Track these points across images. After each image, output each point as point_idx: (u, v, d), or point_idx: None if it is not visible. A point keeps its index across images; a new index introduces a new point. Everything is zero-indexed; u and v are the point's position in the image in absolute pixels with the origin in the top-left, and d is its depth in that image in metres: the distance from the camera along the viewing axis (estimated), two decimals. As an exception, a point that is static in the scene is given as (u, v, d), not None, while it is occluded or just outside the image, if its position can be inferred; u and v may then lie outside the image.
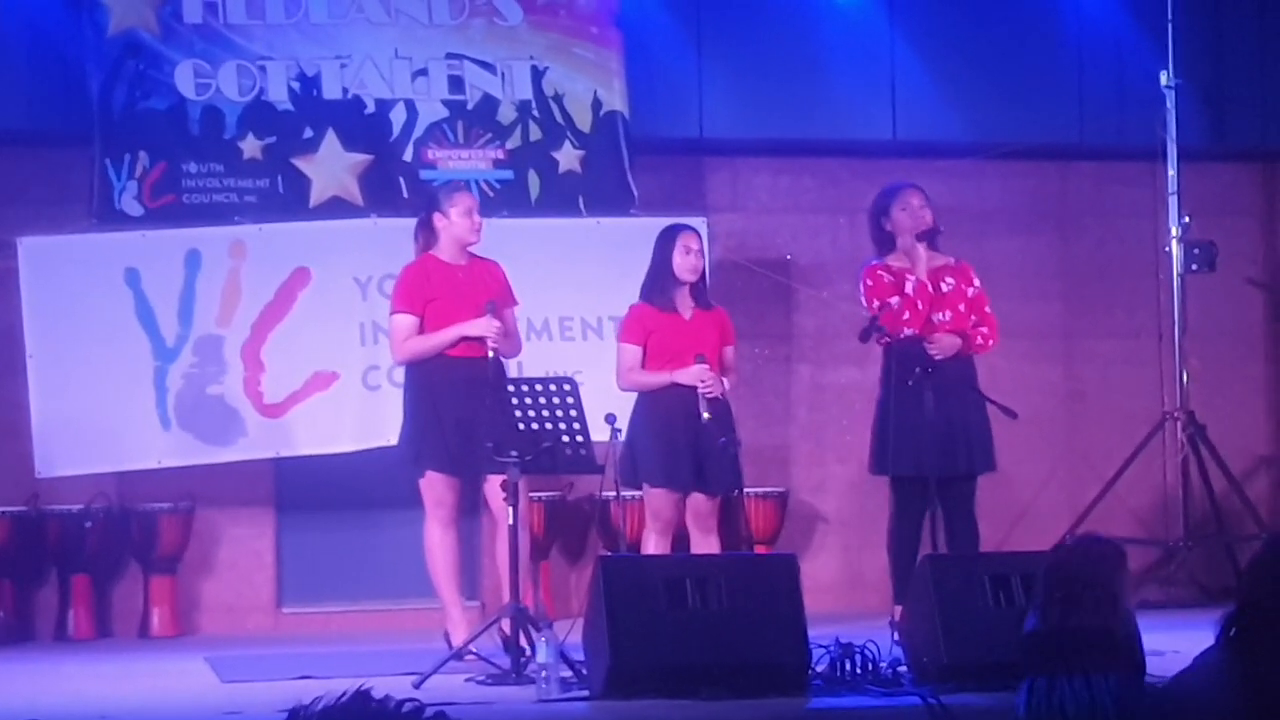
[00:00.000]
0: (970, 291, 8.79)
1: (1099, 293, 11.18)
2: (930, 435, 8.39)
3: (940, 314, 8.69)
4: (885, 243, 8.80)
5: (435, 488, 8.35)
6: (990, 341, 8.81)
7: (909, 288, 8.65)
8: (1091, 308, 11.18)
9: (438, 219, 8.49)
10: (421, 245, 8.56)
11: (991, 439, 8.72)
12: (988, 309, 8.83)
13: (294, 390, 9.71)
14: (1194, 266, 10.52)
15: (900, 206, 8.75)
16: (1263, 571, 4.73)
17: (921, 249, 8.70)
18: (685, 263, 8.54)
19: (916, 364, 8.46)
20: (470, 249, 8.51)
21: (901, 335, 8.58)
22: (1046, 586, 5.21)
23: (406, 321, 8.43)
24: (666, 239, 8.61)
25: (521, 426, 7.71)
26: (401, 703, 2.55)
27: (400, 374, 9.60)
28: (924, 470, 8.44)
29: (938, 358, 8.53)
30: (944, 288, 8.73)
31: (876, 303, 8.67)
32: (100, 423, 9.54)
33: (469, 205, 8.53)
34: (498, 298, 8.46)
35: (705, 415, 8.33)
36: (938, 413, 8.40)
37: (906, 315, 8.61)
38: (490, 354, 8.23)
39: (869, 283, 8.73)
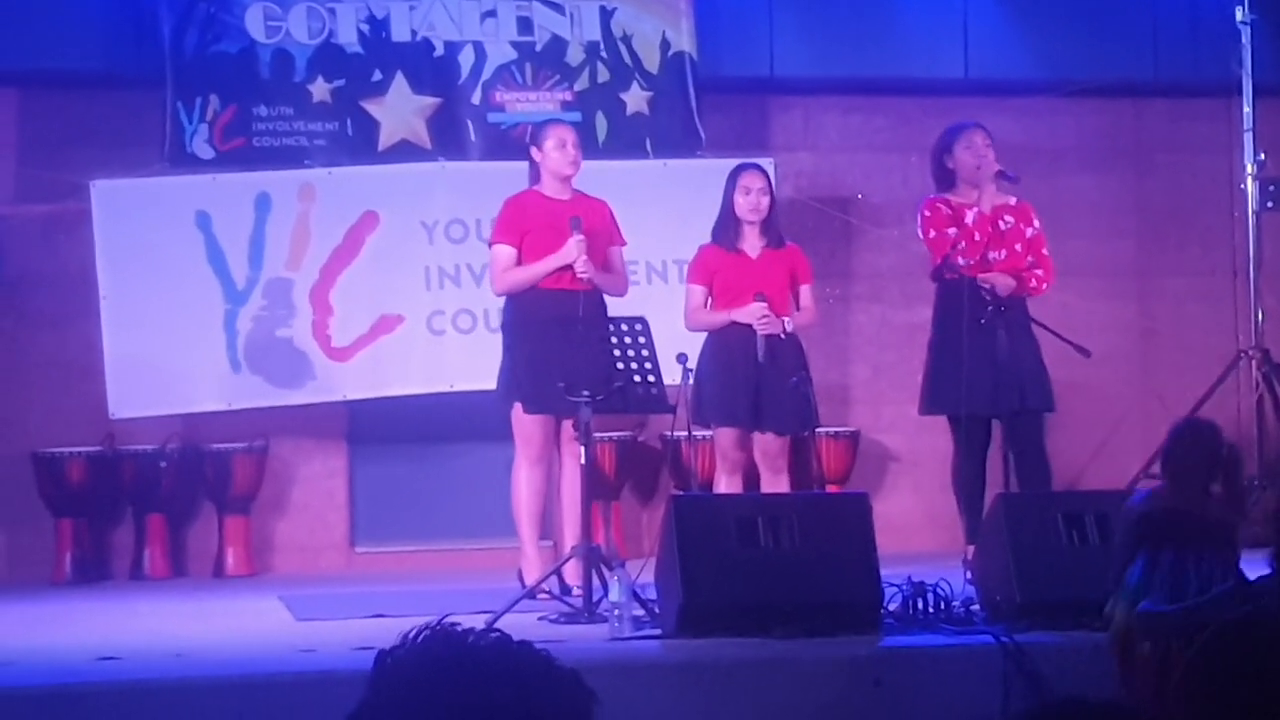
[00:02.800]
0: (1029, 232, 8.72)
1: (1173, 230, 11.09)
2: (1000, 373, 8.35)
3: (996, 252, 8.62)
4: (946, 180, 8.74)
5: (523, 424, 8.35)
6: (1045, 284, 8.72)
7: (969, 218, 8.59)
8: (1165, 245, 11.10)
9: (534, 152, 8.49)
10: (531, 180, 8.56)
11: (1048, 378, 8.64)
12: (1045, 251, 8.76)
13: (360, 334, 9.74)
14: (1269, 204, 10.44)
15: (964, 145, 8.69)
16: None
17: (990, 187, 8.63)
18: (746, 202, 8.51)
19: (984, 302, 8.40)
20: (572, 182, 8.50)
21: (961, 271, 8.51)
22: (1184, 455, 5.40)
23: (504, 252, 8.42)
24: (731, 179, 8.60)
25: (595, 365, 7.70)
26: (486, 633, 2.55)
27: (464, 320, 9.66)
28: (981, 408, 8.40)
29: (1000, 295, 8.47)
30: (1002, 226, 8.66)
31: (932, 233, 8.62)
32: (171, 365, 9.60)
33: (562, 137, 8.52)
34: (602, 234, 8.44)
35: (760, 355, 8.31)
36: (992, 352, 8.35)
37: (963, 245, 8.55)
38: (583, 279, 8.19)
39: (927, 214, 8.68)
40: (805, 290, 8.63)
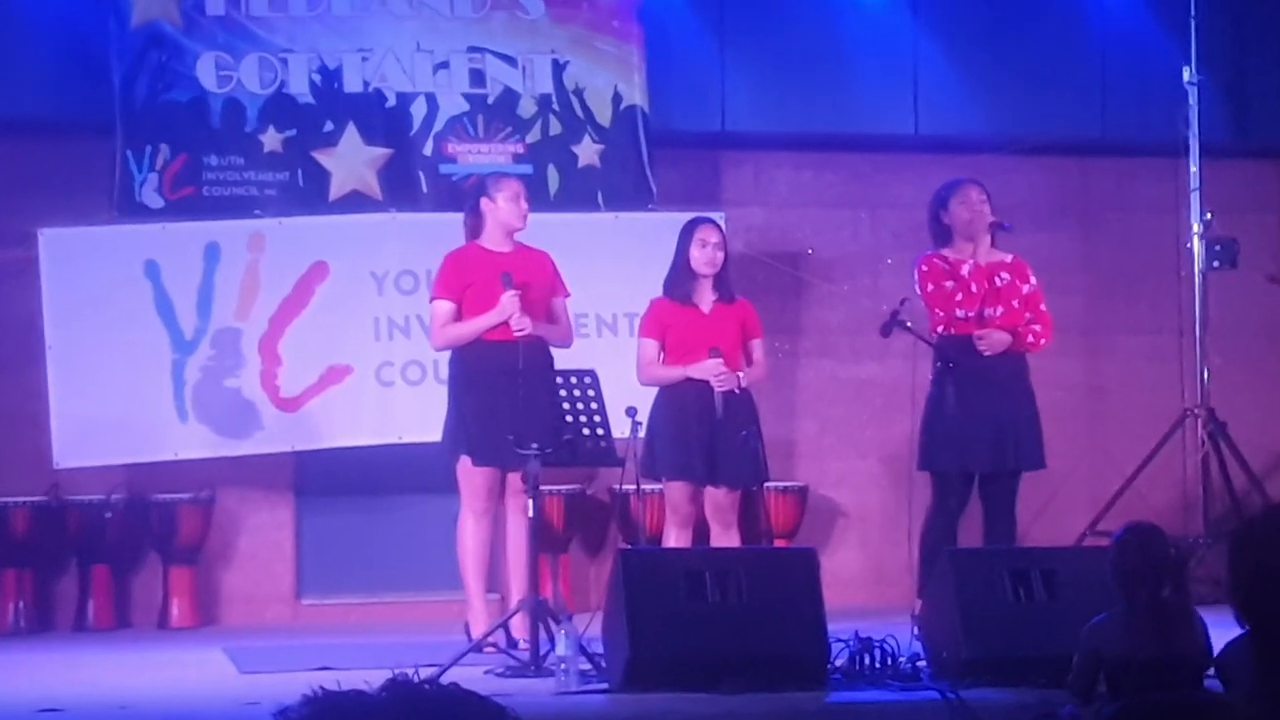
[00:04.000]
0: (1025, 288, 8.73)
1: (1121, 288, 11.16)
2: (981, 432, 8.38)
3: (992, 309, 8.63)
4: (942, 235, 8.74)
5: (469, 476, 8.35)
6: (1042, 340, 8.73)
7: (965, 271, 8.60)
8: (1113, 303, 11.16)
9: (485, 204, 8.50)
10: (469, 233, 8.57)
11: (1041, 436, 8.67)
12: (1043, 306, 8.76)
13: (309, 385, 9.72)
14: (1215, 263, 10.49)
15: (960, 200, 8.70)
16: (1248, 549, 4.76)
17: (985, 242, 8.66)
18: (701, 256, 8.53)
19: (967, 359, 8.41)
20: (516, 236, 8.52)
21: (948, 329, 8.51)
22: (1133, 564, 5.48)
23: (443, 308, 8.44)
24: (686, 233, 8.61)
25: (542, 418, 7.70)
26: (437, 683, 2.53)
27: (414, 371, 9.65)
28: (970, 466, 8.42)
29: (987, 354, 8.49)
30: (998, 282, 8.66)
31: (930, 287, 8.62)
32: (118, 414, 9.55)
33: (516, 190, 8.54)
34: (545, 285, 8.46)
35: (719, 411, 8.32)
36: (988, 409, 8.38)
37: (959, 297, 8.57)
38: (518, 334, 8.21)
39: (924, 268, 8.68)
40: (756, 345, 8.64)
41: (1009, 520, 8.59)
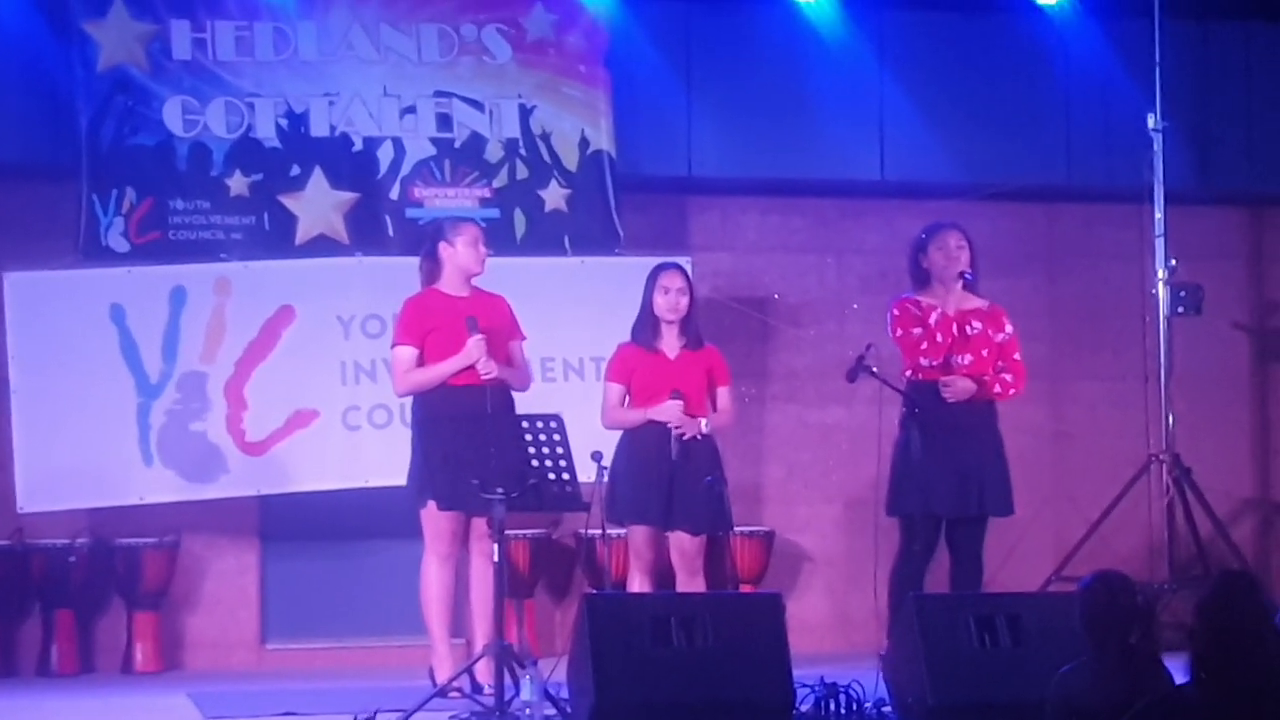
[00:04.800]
0: (1000, 337, 8.75)
1: (1085, 334, 11.19)
2: (946, 476, 8.39)
3: (961, 356, 8.65)
4: (921, 279, 8.77)
5: (433, 521, 8.33)
6: (1011, 390, 8.74)
7: (933, 319, 8.63)
8: (1078, 349, 11.20)
9: (443, 249, 8.49)
10: (426, 278, 8.56)
11: (1009, 483, 8.68)
12: (1017, 356, 8.78)
13: (275, 429, 9.70)
14: (1180, 309, 10.52)
15: (937, 245, 8.73)
16: (1211, 611, 4.77)
17: (956, 288, 8.68)
18: (665, 302, 8.53)
19: (934, 405, 8.43)
20: (474, 281, 8.52)
21: (915, 374, 8.55)
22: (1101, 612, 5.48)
23: (406, 354, 8.43)
24: (651, 279, 8.62)
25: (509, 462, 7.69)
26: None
27: (380, 415, 9.64)
28: (936, 510, 8.43)
29: (950, 400, 8.51)
30: (969, 330, 8.68)
31: (899, 331, 8.66)
32: (83, 458, 9.52)
33: (475, 235, 8.54)
34: (503, 330, 8.46)
35: (674, 454, 8.32)
36: (954, 455, 8.39)
37: (924, 346, 8.59)
38: (485, 378, 8.20)
39: (895, 313, 8.72)
40: (723, 392, 8.63)
41: (975, 566, 8.61)
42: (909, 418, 8.55)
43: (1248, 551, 10.80)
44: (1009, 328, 8.79)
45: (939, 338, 8.61)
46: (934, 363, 8.57)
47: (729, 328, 10.43)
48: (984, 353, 8.67)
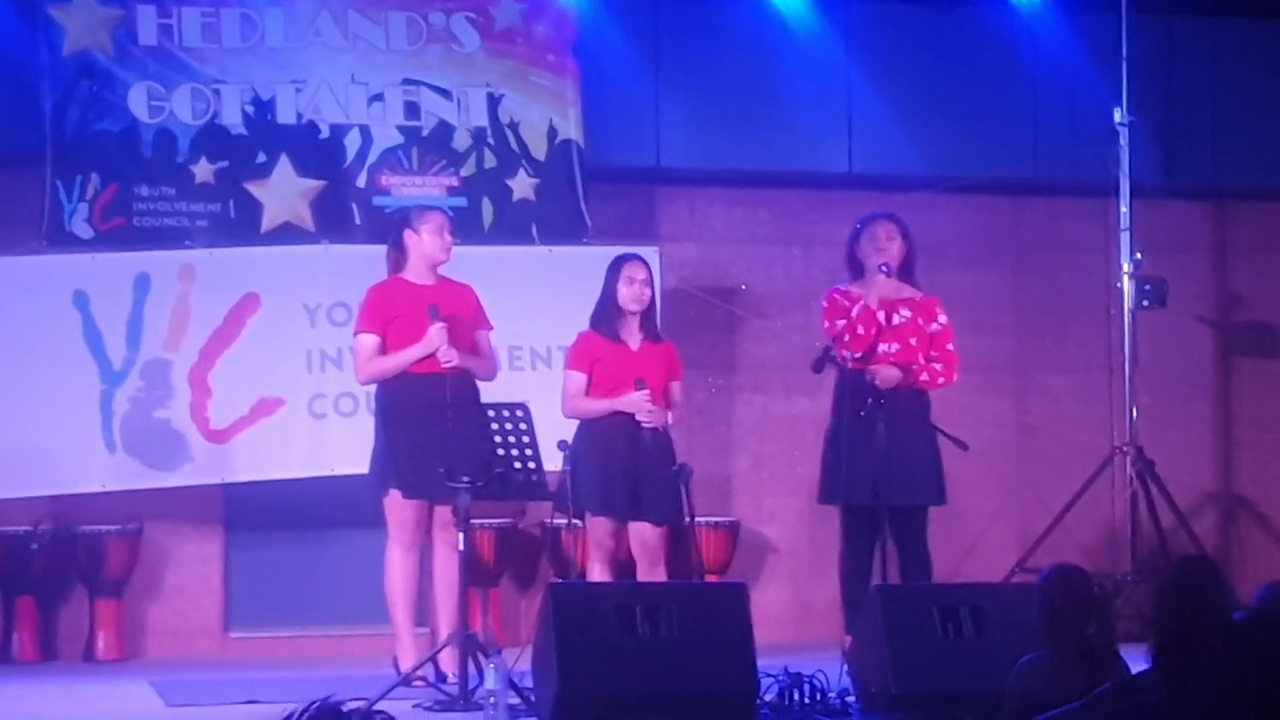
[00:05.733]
0: (932, 327, 8.79)
1: (1050, 327, 11.22)
2: (879, 466, 8.40)
3: (887, 345, 8.69)
4: (856, 269, 8.84)
5: (397, 509, 8.32)
6: (941, 379, 8.79)
7: (855, 311, 8.68)
8: (1043, 342, 11.22)
9: (408, 236, 8.47)
10: (392, 266, 8.55)
11: (942, 472, 8.73)
12: (950, 346, 8.82)
13: (240, 416, 9.67)
14: (1145, 303, 10.56)
15: (868, 236, 8.82)
16: (1172, 598, 4.78)
17: (880, 278, 8.71)
18: (629, 293, 8.52)
19: (866, 394, 8.47)
20: (440, 269, 8.50)
21: (848, 364, 8.60)
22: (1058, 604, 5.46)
23: (368, 341, 8.41)
24: (613, 269, 8.59)
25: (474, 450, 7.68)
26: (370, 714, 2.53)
27: (346, 403, 9.62)
28: (871, 501, 8.45)
29: (879, 387, 8.53)
30: (896, 319, 8.73)
31: (826, 323, 8.72)
32: (45, 445, 9.48)
33: (440, 223, 8.52)
34: (469, 319, 8.44)
35: (648, 444, 8.31)
36: (882, 444, 8.41)
37: (846, 338, 8.63)
38: (445, 367, 8.20)
39: (825, 304, 8.83)
40: (675, 386, 8.63)
41: (920, 555, 8.62)
42: (839, 407, 8.60)
43: (1210, 544, 10.84)
44: (943, 318, 8.84)
45: (860, 329, 8.64)
46: (854, 355, 8.59)
47: (696, 318, 10.44)
48: (912, 341, 8.73)
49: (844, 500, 8.57)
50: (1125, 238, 10.57)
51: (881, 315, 8.71)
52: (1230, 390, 11.55)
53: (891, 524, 8.53)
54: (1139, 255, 10.54)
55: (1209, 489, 11.37)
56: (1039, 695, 5.92)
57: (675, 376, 8.63)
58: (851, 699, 7.39)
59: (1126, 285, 10.56)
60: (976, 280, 11.05)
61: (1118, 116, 10.55)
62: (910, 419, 8.60)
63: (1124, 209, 10.56)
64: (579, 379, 8.53)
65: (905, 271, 8.83)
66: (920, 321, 8.77)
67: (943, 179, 10.66)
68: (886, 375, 8.59)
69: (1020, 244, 11.27)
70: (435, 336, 8.25)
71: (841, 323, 8.68)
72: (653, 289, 8.60)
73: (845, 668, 7.66)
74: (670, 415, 8.48)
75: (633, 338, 8.55)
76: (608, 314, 8.54)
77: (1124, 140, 10.55)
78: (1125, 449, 10.55)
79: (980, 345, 10.86)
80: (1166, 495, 10.46)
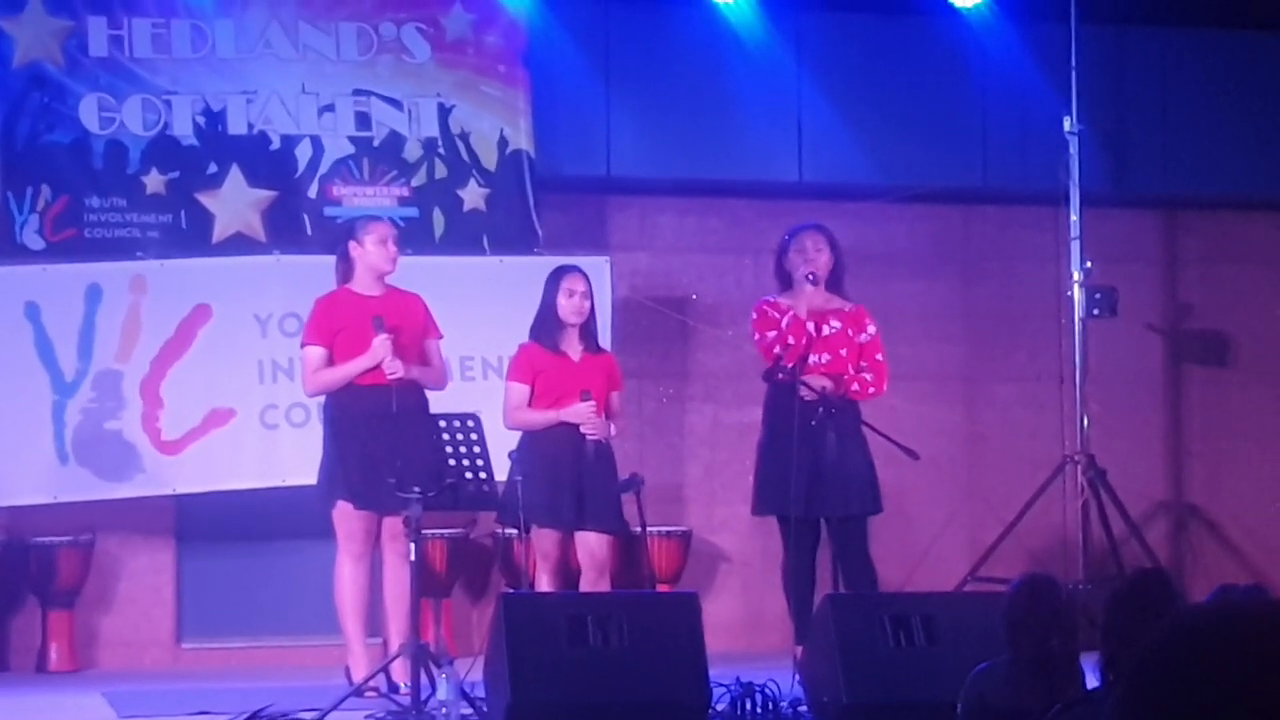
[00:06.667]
0: (862, 337, 8.83)
1: (1001, 336, 11.26)
2: (811, 477, 8.44)
3: (818, 356, 8.72)
4: (785, 280, 8.90)
5: (346, 520, 8.32)
6: (871, 389, 8.82)
7: (785, 322, 8.72)
8: (993, 351, 11.26)
9: (353, 247, 8.49)
10: (340, 277, 8.55)
11: (875, 481, 8.75)
12: (879, 357, 8.87)
13: (192, 427, 9.65)
14: (1095, 311, 10.60)
15: (796, 247, 8.87)
16: (1123, 609, 4.80)
17: (808, 289, 8.75)
18: (569, 305, 8.53)
19: (794, 405, 8.48)
20: (387, 279, 8.51)
21: (798, 374, 8.61)
22: (1025, 613, 5.50)
23: (315, 353, 8.42)
24: (553, 281, 8.60)
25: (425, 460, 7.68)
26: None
27: (298, 414, 9.60)
28: (804, 512, 8.48)
29: (807, 398, 8.56)
30: (826, 330, 8.77)
31: (757, 335, 8.75)
32: (-3, 456, 9.45)
33: (384, 234, 8.53)
34: (418, 328, 8.45)
35: (591, 455, 8.32)
36: (814, 455, 8.45)
37: (777, 350, 8.66)
38: (390, 378, 8.20)
39: (754, 316, 8.89)
40: (615, 397, 8.65)
41: (862, 565, 8.64)
42: (768, 418, 8.63)
43: (1161, 552, 10.88)
44: (872, 328, 8.88)
45: (790, 340, 8.67)
46: (789, 366, 8.61)
47: (647, 327, 10.46)
48: (842, 352, 8.77)
49: (776, 511, 8.61)
50: (1075, 246, 10.61)
51: (811, 326, 8.74)
52: (1181, 399, 11.61)
53: (830, 535, 8.57)
54: (1089, 264, 10.58)
55: (1160, 497, 11.43)
56: (994, 703, 5.94)
57: (616, 387, 8.65)
58: (804, 708, 7.41)
59: (1077, 294, 10.60)
60: (927, 289, 11.08)
61: (1067, 125, 10.59)
62: (845, 429, 8.63)
63: (1074, 218, 10.60)
64: (522, 390, 8.52)
65: (834, 282, 8.87)
66: (850, 332, 8.81)
67: (893, 188, 10.70)
68: (817, 384, 8.61)
69: (970, 253, 11.31)
70: (380, 348, 8.25)
71: (772, 334, 8.73)
72: (592, 300, 8.61)
73: (797, 677, 7.68)
74: (613, 426, 8.49)
75: (574, 349, 8.56)
76: (548, 325, 8.55)
77: (1074, 149, 10.58)
78: (1076, 457, 10.59)
79: (931, 354, 10.91)
80: (1118, 504, 10.50)
